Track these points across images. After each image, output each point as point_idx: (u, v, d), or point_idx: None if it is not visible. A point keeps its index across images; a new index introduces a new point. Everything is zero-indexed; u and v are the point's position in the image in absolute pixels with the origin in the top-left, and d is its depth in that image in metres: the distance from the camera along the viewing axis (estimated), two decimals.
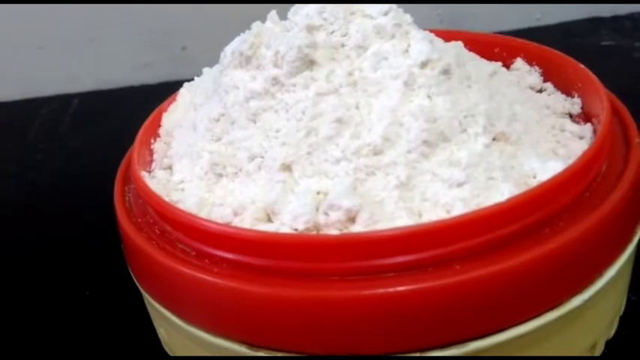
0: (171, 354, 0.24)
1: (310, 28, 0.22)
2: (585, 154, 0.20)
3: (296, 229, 0.19)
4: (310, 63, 0.22)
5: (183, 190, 0.23)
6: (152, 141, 0.26)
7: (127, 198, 0.24)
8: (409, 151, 0.20)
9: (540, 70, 0.28)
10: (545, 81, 0.28)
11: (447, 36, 0.30)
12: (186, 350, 0.22)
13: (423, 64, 0.21)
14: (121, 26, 0.50)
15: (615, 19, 0.53)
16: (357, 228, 0.19)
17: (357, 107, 0.21)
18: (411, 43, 0.22)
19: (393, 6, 0.23)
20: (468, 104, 0.21)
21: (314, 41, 0.22)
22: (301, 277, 0.18)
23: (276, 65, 0.22)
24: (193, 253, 0.20)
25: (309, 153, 0.21)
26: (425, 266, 0.18)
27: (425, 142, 0.20)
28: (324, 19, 0.22)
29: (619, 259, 0.20)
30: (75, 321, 0.29)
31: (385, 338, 0.18)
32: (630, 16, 0.53)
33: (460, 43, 0.29)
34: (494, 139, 0.21)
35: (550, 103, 0.26)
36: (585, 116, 0.25)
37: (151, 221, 0.22)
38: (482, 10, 0.53)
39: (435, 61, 0.21)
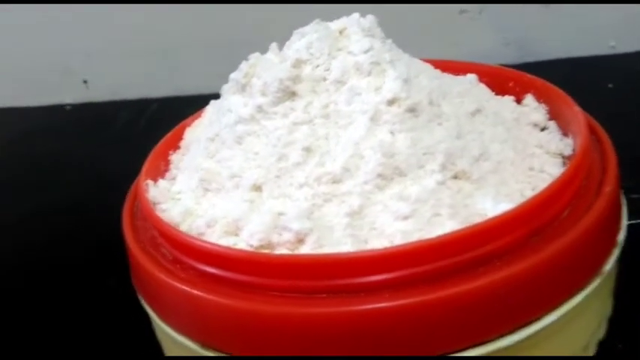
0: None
1: (298, 62, 0.24)
2: (529, 200, 0.20)
3: (251, 245, 0.21)
4: (292, 94, 0.24)
5: (179, 199, 0.25)
6: (171, 152, 0.29)
7: (136, 203, 0.27)
8: (365, 183, 0.22)
9: (547, 108, 0.28)
10: (550, 119, 0.28)
11: (463, 68, 0.31)
12: (162, 343, 0.25)
13: (390, 102, 0.23)
14: (200, 37, 0.54)
15: None
16: (305, 250, 0.21)
17: (326, 138, 0.23)
18: (385, 80, 0.23)
19: (377, 44, 0.24)
20: (431, 142, 0.22)
21: (297, 74, 0.24)
22: (245, 289, 0.20)
23: (263, 94, 0.24)
24: (170, 258, 0.23)
25: (277, 177, 0.23)
26: (356, 291, 0.20)
27: (380, 175, 0.22)
28: (311, 54, 0.24)
29: (561, 307, 0.21)
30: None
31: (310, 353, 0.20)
32: None
33: (473, 77, 0.30)
34: (455, 177, 0.22)
35: (544, 143, 0.26)
36: None
37: (146, 226, 0.25)
38: (551, 35, 0.52)
39: (402, 99, 0.23)
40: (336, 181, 0.22)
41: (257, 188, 0.23)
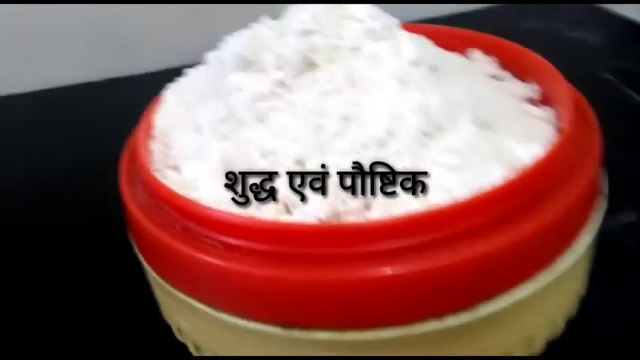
0: (196, 353, 0.25)
1: (307, 32, 0.24)
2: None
3: (320, 219, 0.21)
4: (311, 65, 0.24)
5: (197, 188, 0.24)
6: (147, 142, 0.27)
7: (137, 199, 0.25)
8: (411, 142, 0.23)
9: (497, 60, 0.31)
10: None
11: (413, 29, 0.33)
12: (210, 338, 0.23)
13: (414, 63, 0.24)
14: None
15: None
16: (374, 215, 0.21)
17: (358, 104, 0.23)
18: (401, 44, 0.24)
19: (380, 10, 0.25)
20: (455, 97, 0.24)
21: (314, 45, 0.24)
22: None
23: (279, 68, 0.24)
24: (221, 247, 0.22)
25: (319, 148, 0.23)
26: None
27: (423, 133, 0.23)
28: (319, 24, 0.24)
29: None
30: None
31: None
32: None
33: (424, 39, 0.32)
34: (480, 127, 0.24)
35: (511, 89, 0.29)
36: (544, 101, 0.28)
37: (171, 220, 0.23)
38: None
39: (423, 59, 0.24)
40: (381, 144, 0.23)
41: (299, 163, 0.23)
